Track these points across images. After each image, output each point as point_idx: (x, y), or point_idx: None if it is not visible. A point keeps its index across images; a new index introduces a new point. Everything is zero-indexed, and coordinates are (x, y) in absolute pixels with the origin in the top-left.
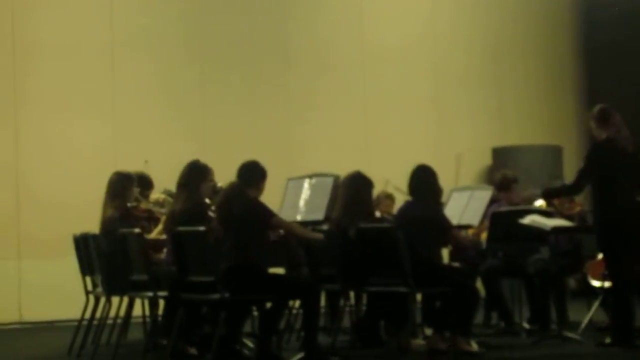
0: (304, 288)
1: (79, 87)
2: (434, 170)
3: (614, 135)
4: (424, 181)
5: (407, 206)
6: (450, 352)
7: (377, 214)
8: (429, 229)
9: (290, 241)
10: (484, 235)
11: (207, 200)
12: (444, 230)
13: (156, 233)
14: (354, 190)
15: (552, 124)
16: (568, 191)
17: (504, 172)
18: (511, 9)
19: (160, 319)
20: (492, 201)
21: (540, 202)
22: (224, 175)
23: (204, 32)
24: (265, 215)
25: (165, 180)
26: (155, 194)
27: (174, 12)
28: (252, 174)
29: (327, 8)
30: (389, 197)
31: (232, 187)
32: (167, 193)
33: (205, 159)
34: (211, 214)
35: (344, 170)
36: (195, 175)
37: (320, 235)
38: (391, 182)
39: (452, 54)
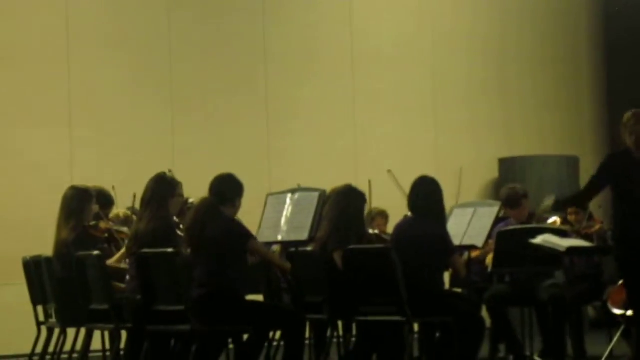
0: (286, 317)
1: (31, 96)
2: (439, 184)
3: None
4: (427, 196)
5: (406, 224)
6: None
7: (370, 232)
8: (431, 250)
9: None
10: (489, 258)
11: (176, 219)
12: (447, 253)
13: (119, 257)
14: (343, 207)
15: (566, 132)
16: (576, 200)
17: (512, 186)
18: (516, 4)
19: (122, 353)
20: (499, 219)
21: (554, 219)
22: (196, 190)
23: (174, 34)
24: (242, 237)
25: (129, 200)
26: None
27: (139, 13)
28: (228, 190)
29: (311, 5)
30: (382, 214)
31: (205, 204)
32: (132, 210)
33: (175, 173)
34: (180, 233)
35: (330, 184)
36: (162, 190)
37: (288, 265)
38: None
39: (452, 55)
